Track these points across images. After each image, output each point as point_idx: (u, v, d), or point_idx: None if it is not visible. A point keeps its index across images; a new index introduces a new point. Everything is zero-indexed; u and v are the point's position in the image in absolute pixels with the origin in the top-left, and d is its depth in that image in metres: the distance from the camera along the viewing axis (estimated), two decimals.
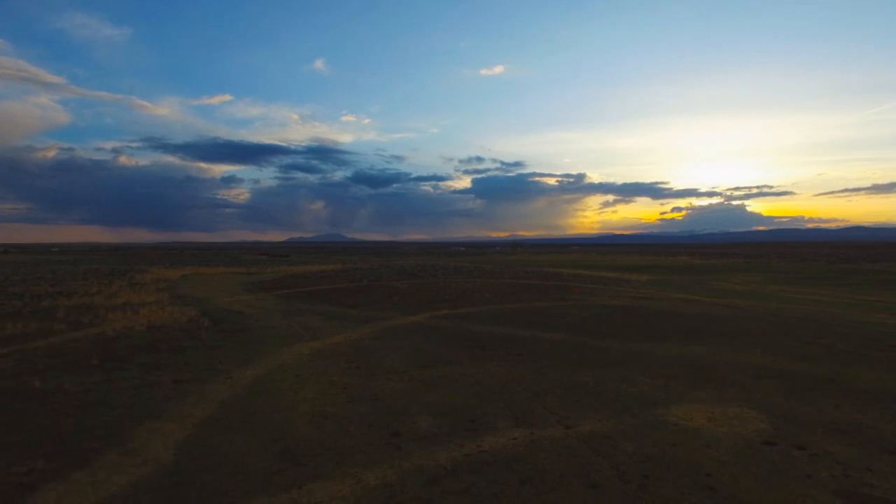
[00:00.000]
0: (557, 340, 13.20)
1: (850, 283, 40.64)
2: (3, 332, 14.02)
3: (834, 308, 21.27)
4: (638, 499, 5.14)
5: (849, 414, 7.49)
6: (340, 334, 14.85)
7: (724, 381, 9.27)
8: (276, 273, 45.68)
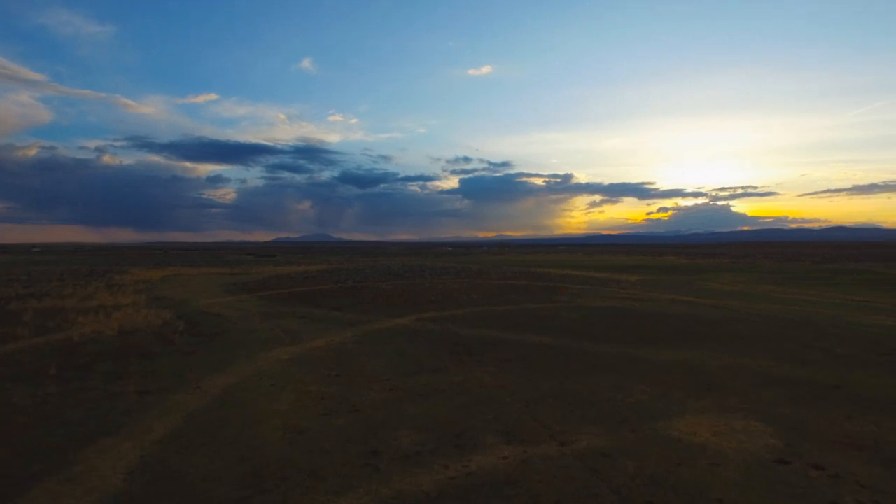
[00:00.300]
0: (547, 344, 12.66)
1: (837, 283, 40.68)
2: None
3: (825, 309, 20.98)
4: None
5: (862, 426, 7.01)
6: (322, 338, 14.20)
7: (725, 389, 8.77)
8: (261, 274, 44.77)
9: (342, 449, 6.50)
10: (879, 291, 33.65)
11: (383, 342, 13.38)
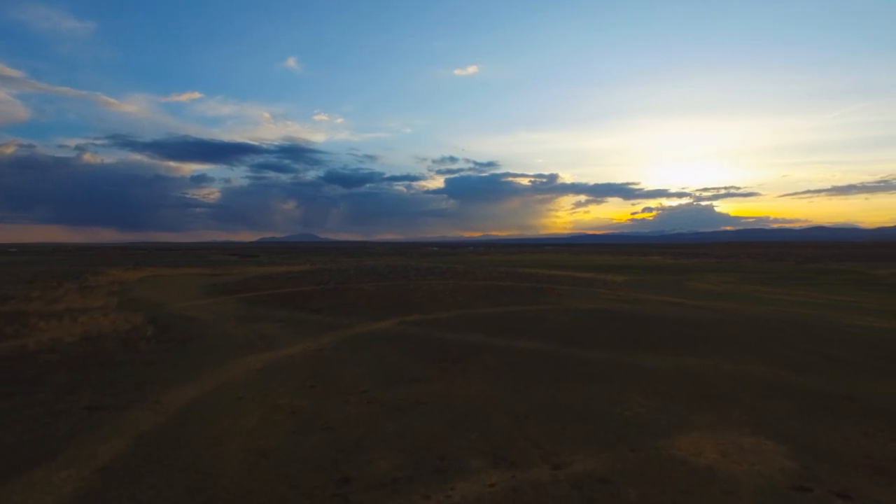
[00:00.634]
0: (536, 350, 12.01)
1: (821, 283, 40.76)
2: None
3: (815, 310, 20.67)
4: None
5: (883, 444, 6.42)
6: (298, 344, 13.44)
7: (727, 401, 8.17)
8: (242, 274, 43.74)
9: (309, 476, 5.77)
10: (864, 292, 33.67)
11: (363, 348, 12.66)
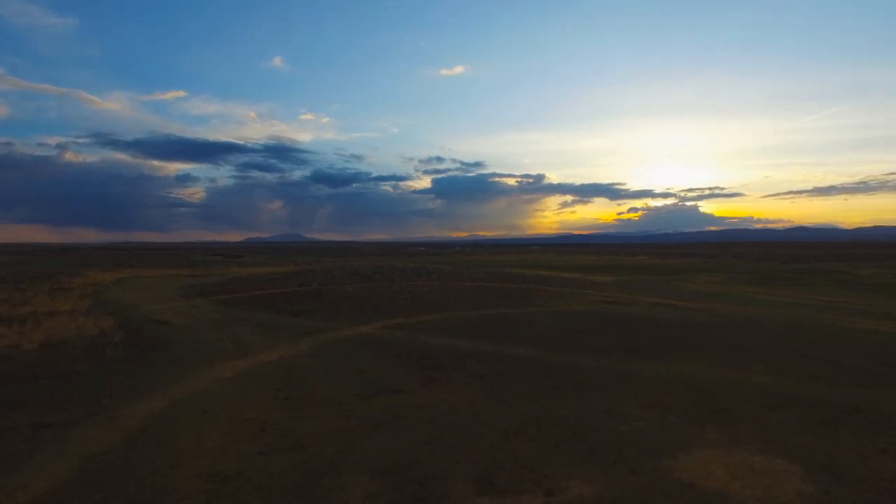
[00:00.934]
0: (526, 357, 11.41)
1: (809, 284, 40.70)
2: None
3: (809, 312, 20.32)
4: None
5: None
6: (274, 350, 12.71)
7: (731, 413, 7.62)
8: (224, 275, 42.72)
9: None
10: (851, 292, 33.55)
11: (342, 355, 11.97)
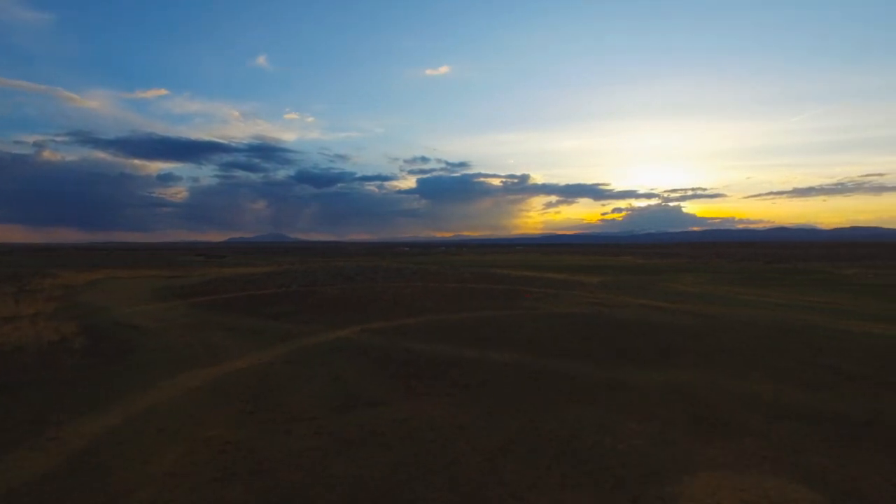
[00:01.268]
0: (512, 363, 10.79)
1: (794, 284, 40.75)
2: None
3: (799, 313, 20.01)
4: None
5: None
6: (247, 356, 11.97)
7: (735, 427, 7.05)
8: (203, 276, 41.62)
9: None
10: (836, 292, 33.55)
11: (318, 362, 11.26)
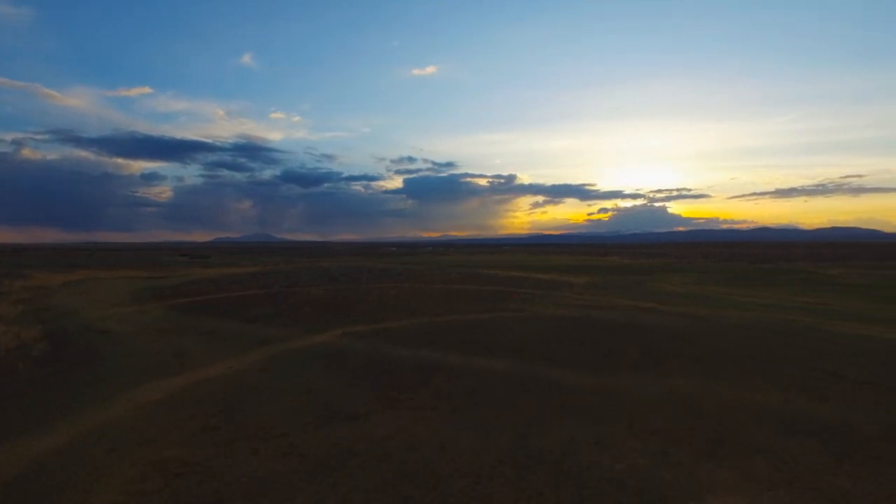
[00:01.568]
0: (500, 371, 10.17)
1: (781, 284, 40.70)
2: None
3: (792, 314, 19.65)
4: None
5: None
6: (219, 364, 11.25)
7: (742, 443, 6.47)
8: (185, 277, 40.68)
9: None
10: (823, 292, 33.47)
11: (294, 371, 10.57)
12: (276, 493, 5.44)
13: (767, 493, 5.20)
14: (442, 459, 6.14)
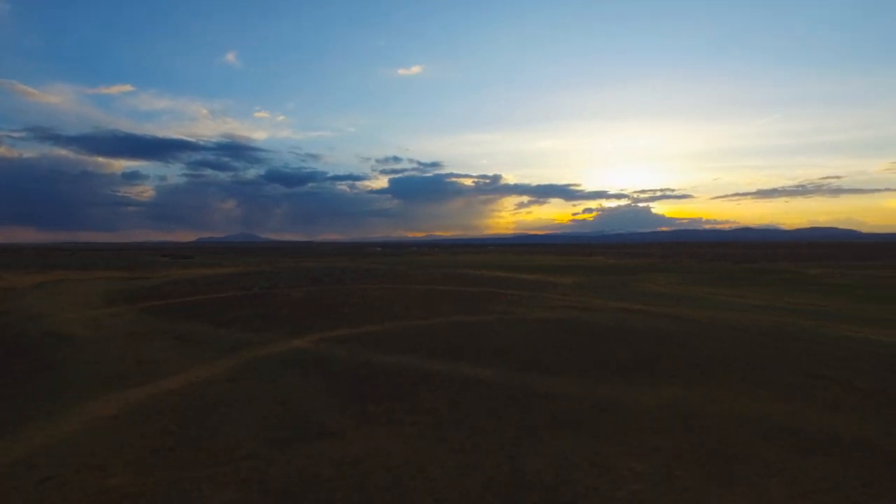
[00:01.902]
0: (486, 380, 9.51)
1: (766, 284, 40.69)
2: None
3: (784, 316, 19.30)
4: None
5: None
6: (185, 373, 10.48)
7: (753, 463, 5.85)
8: (164, 278, 39.54)
9: None
10: (810, 293, 33.42)
11: (266, 379, 9.83)
12: None
13: None
14: (421, 486, 5.46)
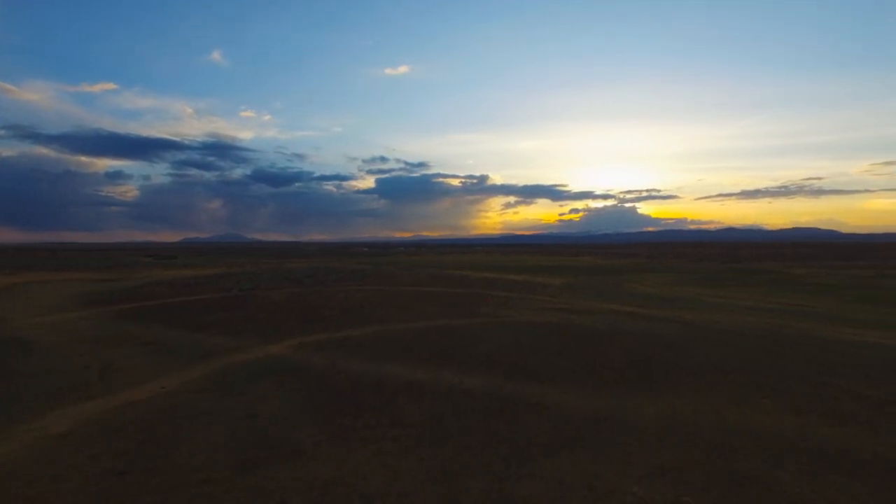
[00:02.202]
0: (473, 390, 8.87)
1: (754, 284, 40.61)
2: None
3: (779, 318, 18.93)
4: None
5: None
6: (151, 383, 9.73)
7: (768, 487, 5.24)
8: (142, 279, 38.44)
9: None
10: (797, 293, 33.32)
11: (236, 391, 9.10)
12: None
13: None
14: None
